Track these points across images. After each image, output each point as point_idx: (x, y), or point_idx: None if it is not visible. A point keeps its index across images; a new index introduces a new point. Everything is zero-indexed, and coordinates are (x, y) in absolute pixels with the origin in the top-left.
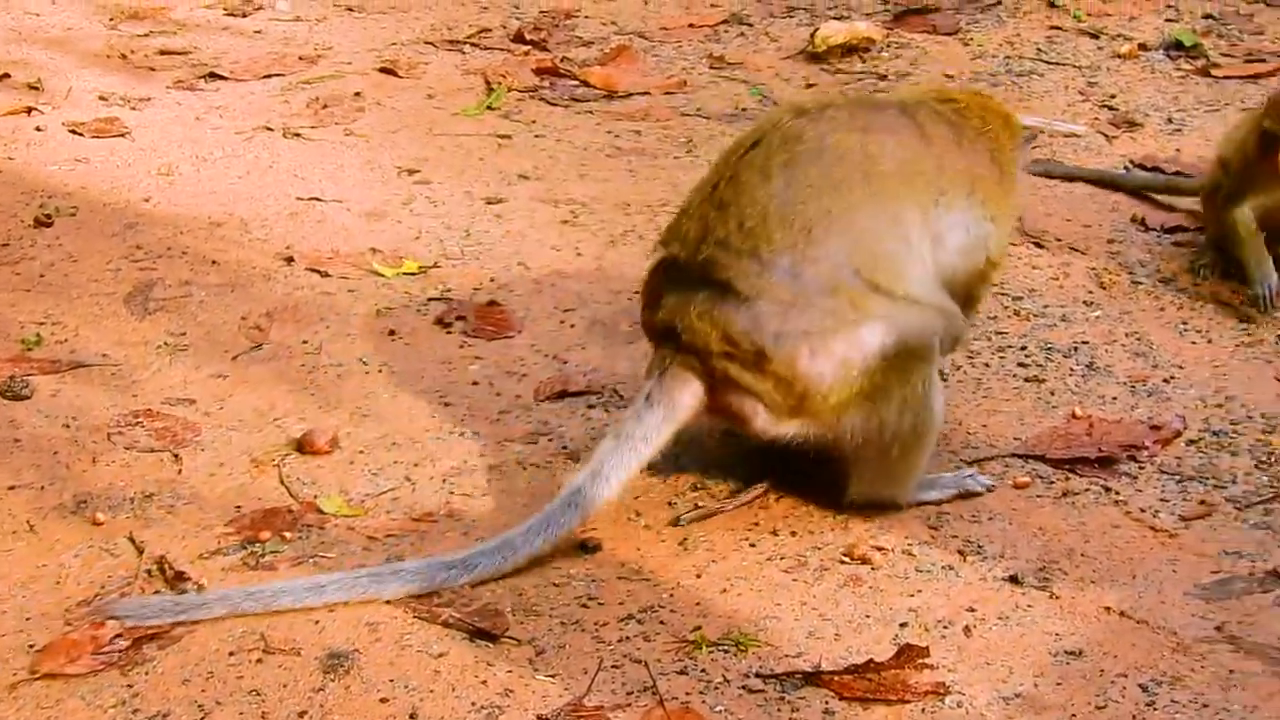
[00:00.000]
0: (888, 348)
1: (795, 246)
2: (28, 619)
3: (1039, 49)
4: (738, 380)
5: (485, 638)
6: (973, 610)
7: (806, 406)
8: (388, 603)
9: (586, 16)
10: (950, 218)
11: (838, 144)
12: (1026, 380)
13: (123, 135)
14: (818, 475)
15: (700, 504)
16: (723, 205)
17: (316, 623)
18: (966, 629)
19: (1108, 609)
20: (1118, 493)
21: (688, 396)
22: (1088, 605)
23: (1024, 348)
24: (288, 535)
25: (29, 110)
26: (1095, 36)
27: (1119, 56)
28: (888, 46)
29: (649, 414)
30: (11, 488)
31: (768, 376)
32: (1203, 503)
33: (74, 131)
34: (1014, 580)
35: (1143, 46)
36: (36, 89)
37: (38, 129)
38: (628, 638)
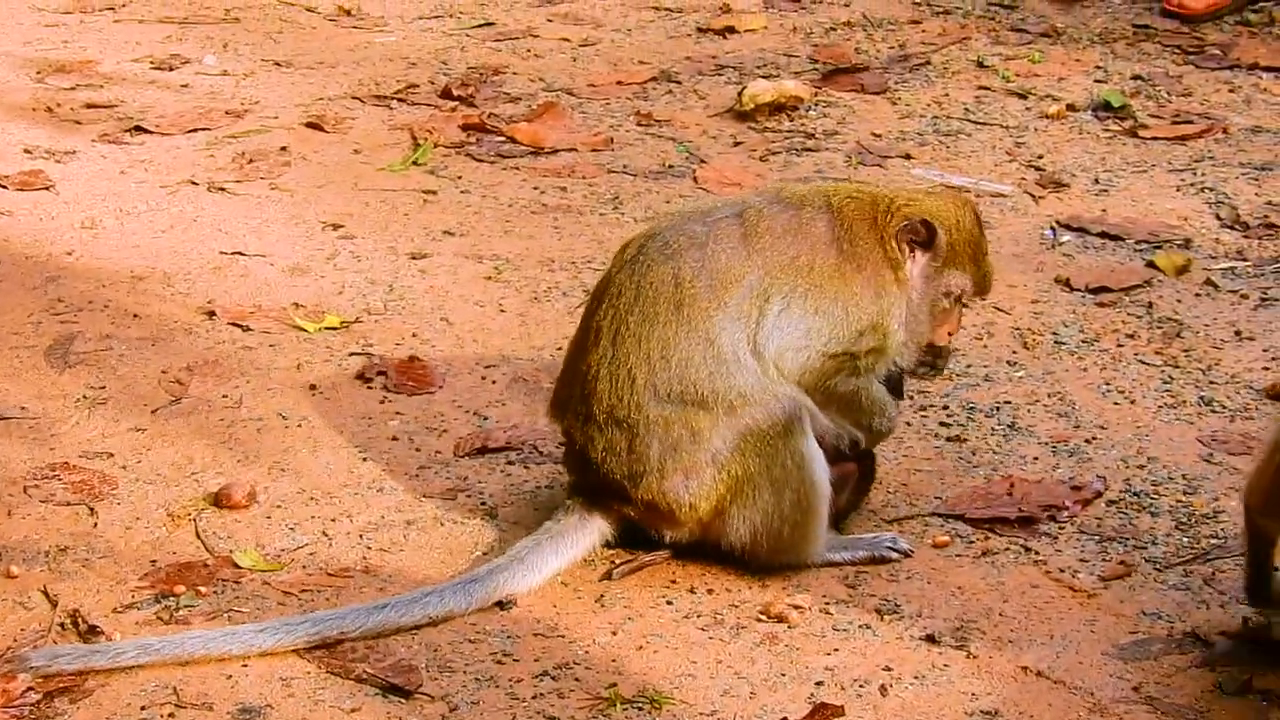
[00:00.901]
0: (734, 447)
1: (621, 400)
2: None
3: (967, 109)
4: (627, 511)
5: (398, 694)
6: (889, 669)
7: (682, 519)
8: (301, 657)
9: (514, 73)
10: (769, 321)
11: (650, 281)
12: (948, 440)
13: (47, 188)
14: None
15: (616, 561)
16: (574, 375)
17: (229, 677)
18: (883, 688)
19: (1025, 669)
20: (1037, 553)
21: (600, 519)
22: (1005, 665)
23: (946, 407)
24: (203, 590)
25: None
26: (1023, 97)
27: (1047, 117)
28: (815, 105)
29: (570, 523)
30: None
31: (640, 505)
32: (1122, 563)
33: None
34: (931, 640)
35: (1071, 107)
36: None
37: None
38: (542, 694)
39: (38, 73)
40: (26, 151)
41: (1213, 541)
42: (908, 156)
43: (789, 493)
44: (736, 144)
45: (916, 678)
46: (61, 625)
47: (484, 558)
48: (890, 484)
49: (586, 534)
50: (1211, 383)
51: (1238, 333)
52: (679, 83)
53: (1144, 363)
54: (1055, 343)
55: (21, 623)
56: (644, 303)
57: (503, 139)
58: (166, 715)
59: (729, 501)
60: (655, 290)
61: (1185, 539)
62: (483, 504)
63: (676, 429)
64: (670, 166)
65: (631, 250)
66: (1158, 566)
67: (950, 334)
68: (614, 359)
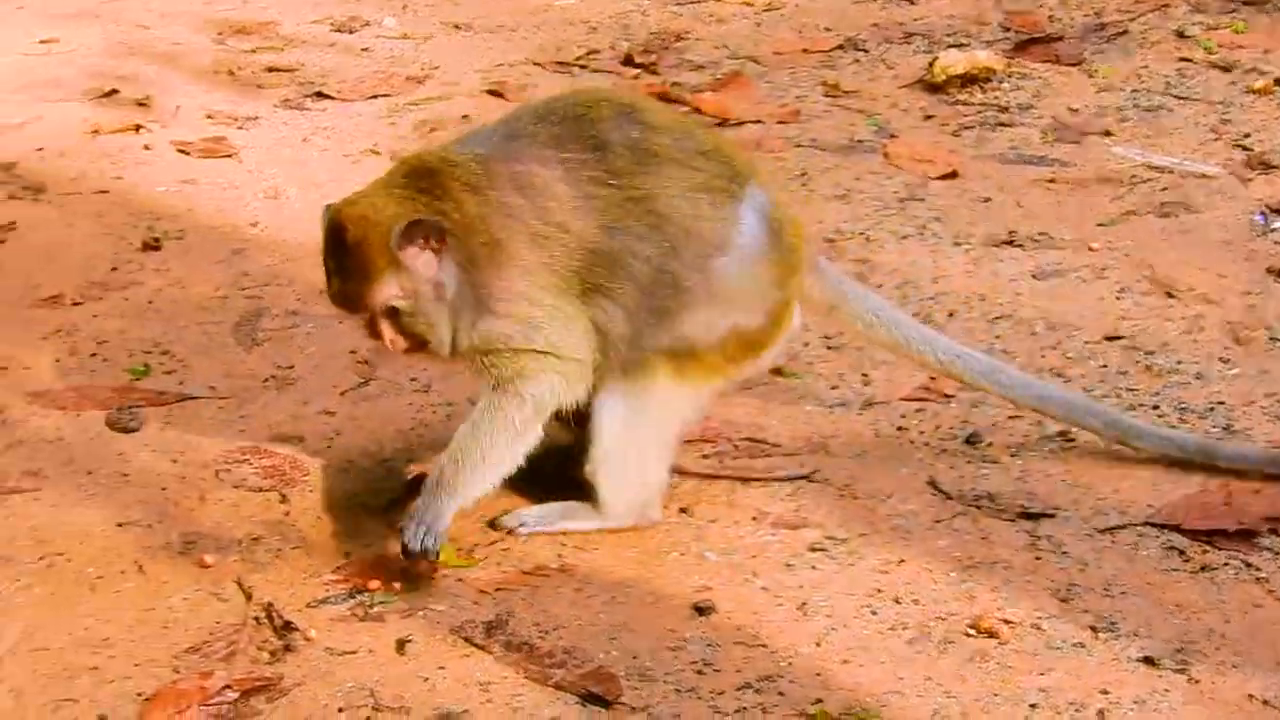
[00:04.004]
0: None
1: None
2: (136, 665)
3: (1168, 82)
4: None
5: (598, 703)
6: (1106, 693)
7: None
8: (498, 661)
9: (697, 39)
10: None
11: None
12: None
13: (230, 156)
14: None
15: (817, 565)
16: None
17: (426, 680)
18: (1100, 713)
19: (1251, 697)
20: (1259, 569)
21: None
22: (1229, 692)
23: (1156, 406)
24: (396, 585)
25: (137, 128)
26: (1227, 70)
27: (1253, 92)
28: (1009, 77)
29: None
30: (120, 525)
31: None
32: None
33: (182, 151)
34: (1149, 661)
35: (1278, 82)
36: (145, 105)
37: (146, 148)
38: (745, 708)
39: (218, 34)
40: (209, 117)
41: None
42: (1107, 133)
43: None
44: (927, 118)
45: (1136, 702)
46: (256, 619)
47: (680, 557)
48: (1100, 490)
49: None
50: None
51: None
52: (866, 51)
53: None
54: (1270, 339)
55: (217, 615)
56: None
57: (687, 109)
58: (363, 718)
59: None
60: None
61: None
62: (682, 509)
63: None
64: (859, 141)
65: None
66: None
67: None
68: None
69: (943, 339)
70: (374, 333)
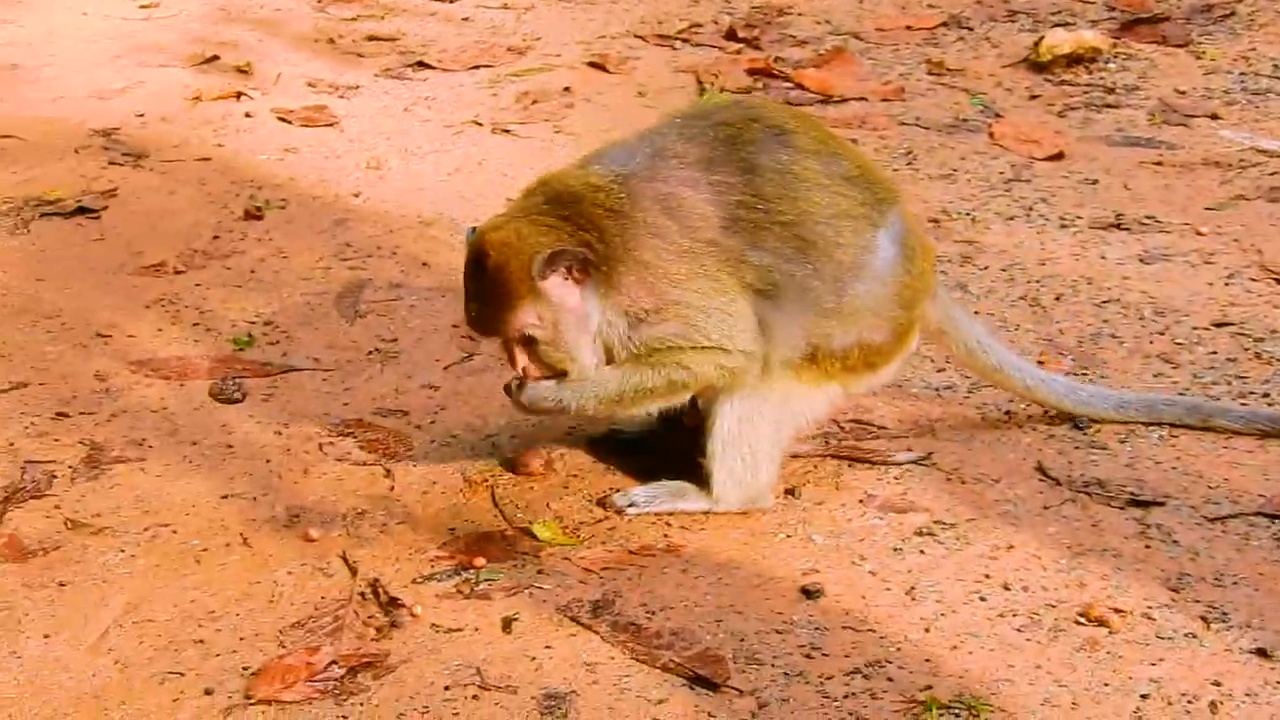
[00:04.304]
0: None
1: None
2: (241, 639)
3: (1276, 65)
4: None
5: (705, 685)
6: (1218, 685)
7: None
8: (605, 641)
9: (799, 14)
10: None
11: None
12: None
13: (331, 125)
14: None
15: (925, 549)
16: None
17: (533, 659)
18: (1213, 705)
19: None
20: None
21: None
22: None
23: (1267, 395)
24: (501, 564)
25: (238, 95)
26: None
27: None
28: (1115, 57)
29: None
30: (225, 497)
31: None
32: None
33: (283, 119)
34: (1262, 653)
35: None
36: (245, 73)
37: (247, 115)
38: (854, 694)
39: (318, 1)
40: (310, 85)
41: None
42: (1214, 116)
43: None
44: (1033, 97)
45: (1248, 695)
46: (362, 595)
47: (787, 539)
48: (1211, 478)
49: None
50: None
51: None
52: (970, 29)
53: None
54: None
55: (322, 590)
56: None
57: (790, 85)
58: (470, 697)
59: None
60: None
61: None
62: (789, 491)
63: None
64: (964, 120)
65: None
66: None
67: None
68: None
69: (1030, 366)
70: (509, 358)
